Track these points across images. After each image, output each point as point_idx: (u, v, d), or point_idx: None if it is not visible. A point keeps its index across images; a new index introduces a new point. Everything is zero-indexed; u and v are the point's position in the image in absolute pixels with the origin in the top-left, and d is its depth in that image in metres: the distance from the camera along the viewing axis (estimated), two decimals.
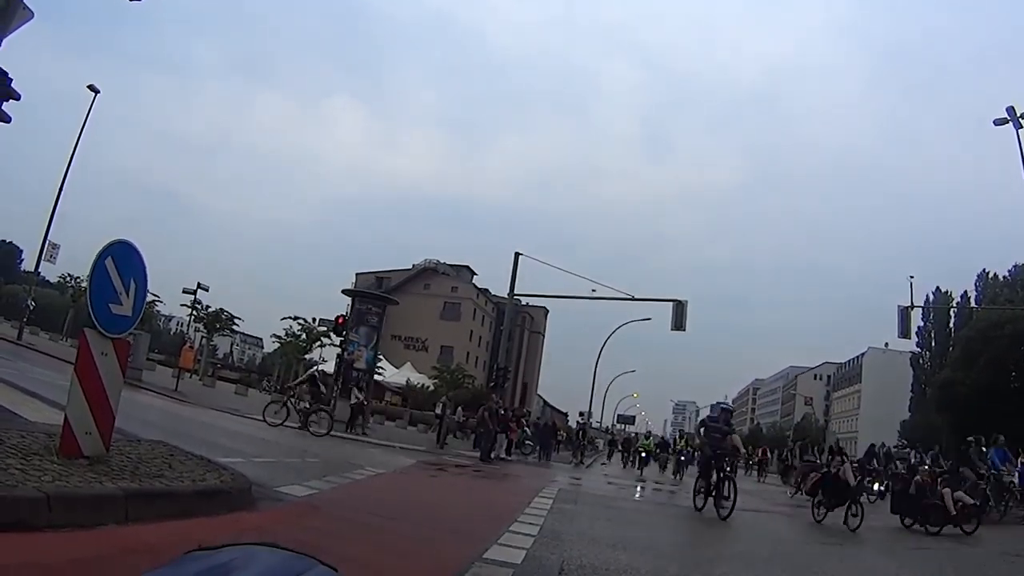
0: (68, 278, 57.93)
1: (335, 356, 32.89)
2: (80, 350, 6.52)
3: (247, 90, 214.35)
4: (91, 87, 33.77)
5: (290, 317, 48.49)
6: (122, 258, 6.72)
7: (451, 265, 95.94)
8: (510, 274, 32.70)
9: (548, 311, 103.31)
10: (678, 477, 31.16)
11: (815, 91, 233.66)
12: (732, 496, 13.80)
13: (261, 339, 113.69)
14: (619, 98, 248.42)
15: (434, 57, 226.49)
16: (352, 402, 27.06)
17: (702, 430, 17.36)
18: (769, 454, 46.12)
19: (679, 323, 31.70)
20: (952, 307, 64.56)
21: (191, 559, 1.32)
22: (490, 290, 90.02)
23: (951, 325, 66.32)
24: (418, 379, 56.73)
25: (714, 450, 15.09)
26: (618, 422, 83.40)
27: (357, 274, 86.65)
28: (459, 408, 40.12)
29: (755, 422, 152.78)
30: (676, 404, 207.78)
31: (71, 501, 4.98)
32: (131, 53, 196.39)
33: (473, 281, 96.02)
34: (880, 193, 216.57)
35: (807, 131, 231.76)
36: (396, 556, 6.26)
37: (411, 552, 6.65)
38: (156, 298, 52.06)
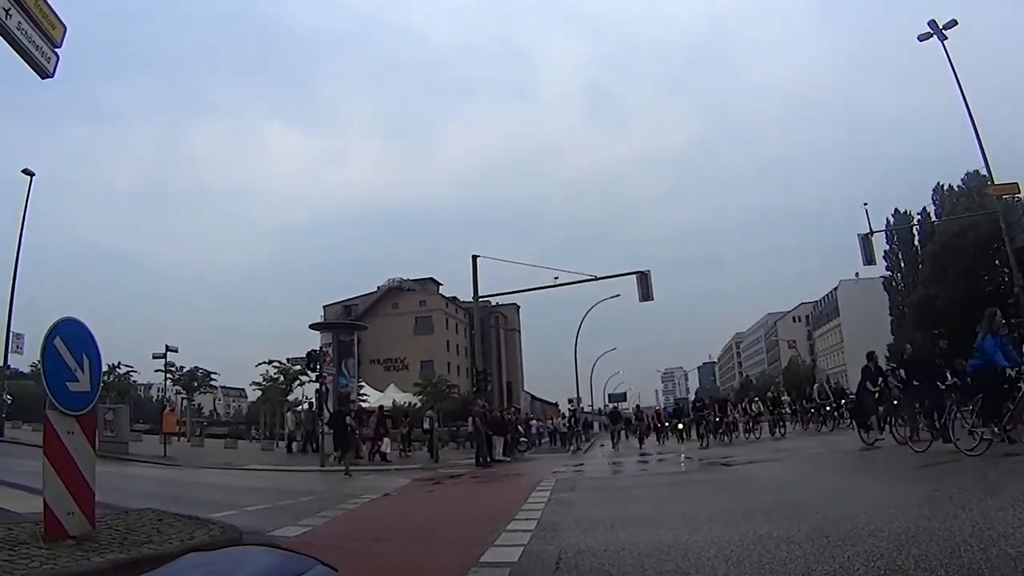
0: (39, 365, 56.74)
1: (314, 392, 32.74)
2: (46, 433, 6.54)
3: (181, 131, 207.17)
4: (26, 171, 32.40)
5: (265, 362, 47.94)
6: (70, 335, 6.75)
7: (415, 280, 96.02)
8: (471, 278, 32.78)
9: (520, 307, 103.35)
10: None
11: (763, 33, 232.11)
12: None
13: (243, 389, 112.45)
14: (564, 73, 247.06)
15: (367, 64, 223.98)
16: None
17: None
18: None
19: (646, 293, 32.02)
20: (913, 224, 64.97)
21: (191, 560, 1.38)
22: (459, 297, 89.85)
23: (916, 243, 66.77)
24: (403, 398, 56.56)
25: None
26: (609, 401, 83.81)
27: (324, 306, 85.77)
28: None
29: (744, 375, 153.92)
30: (664, 372, 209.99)
31: None
32: (58, 111, 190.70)
33: (440, 291, 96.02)
34: (837, 126, 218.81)
35: (759, 76, 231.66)
36: None
37: (402, 569, 6.66)
38: (130, 368, 51.53)
